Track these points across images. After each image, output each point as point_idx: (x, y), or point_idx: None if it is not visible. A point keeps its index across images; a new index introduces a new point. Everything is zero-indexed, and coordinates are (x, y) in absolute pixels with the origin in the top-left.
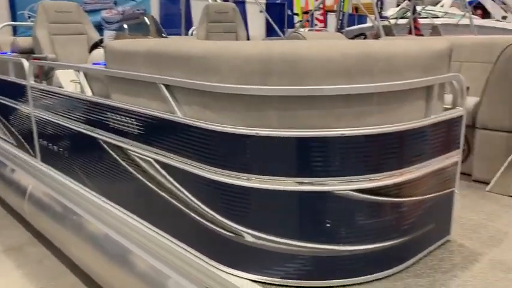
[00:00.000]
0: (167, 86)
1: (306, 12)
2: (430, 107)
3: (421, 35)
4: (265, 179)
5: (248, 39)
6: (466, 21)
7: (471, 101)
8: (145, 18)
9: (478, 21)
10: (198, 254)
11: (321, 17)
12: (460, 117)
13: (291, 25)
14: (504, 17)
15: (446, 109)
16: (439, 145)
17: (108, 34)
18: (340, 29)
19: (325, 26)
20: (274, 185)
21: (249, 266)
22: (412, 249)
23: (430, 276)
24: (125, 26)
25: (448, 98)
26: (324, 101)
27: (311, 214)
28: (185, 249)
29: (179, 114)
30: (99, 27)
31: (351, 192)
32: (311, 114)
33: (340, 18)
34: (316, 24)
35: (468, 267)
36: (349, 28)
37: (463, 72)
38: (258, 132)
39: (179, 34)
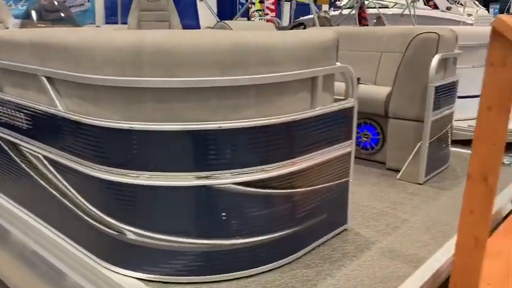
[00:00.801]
0: (48, 78)
1: (261, 1)
2: (316, 99)
3: (367, 25)
4: (144, 174)
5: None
6: (415, 11)
7: (384, 90)
8: (59, 6)
9: (424, 11)
10: (86, 252)
11: (272, 6)
12: (351, 108)
13: (246, 13)
14: (448, 8)
15: (337, 100)
16: (330, 136)
17: (13, 22)
18: (292, 18)
19: (277, 16)
20: (156, 181)
21: (132, 264)
22: (304, 240)
23: (319, 266)
24: (33, 13)
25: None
26: (197, 94)
27: (197, 210)
28: (76, 248)
29: (60, 108)
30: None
31: (232, 186)
32: (186, 106)
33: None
34: (267, 14)
35: (358, 256)
36: (303, 18)
37: (382, 62)
38: (132, 126)
39: (124, 23)
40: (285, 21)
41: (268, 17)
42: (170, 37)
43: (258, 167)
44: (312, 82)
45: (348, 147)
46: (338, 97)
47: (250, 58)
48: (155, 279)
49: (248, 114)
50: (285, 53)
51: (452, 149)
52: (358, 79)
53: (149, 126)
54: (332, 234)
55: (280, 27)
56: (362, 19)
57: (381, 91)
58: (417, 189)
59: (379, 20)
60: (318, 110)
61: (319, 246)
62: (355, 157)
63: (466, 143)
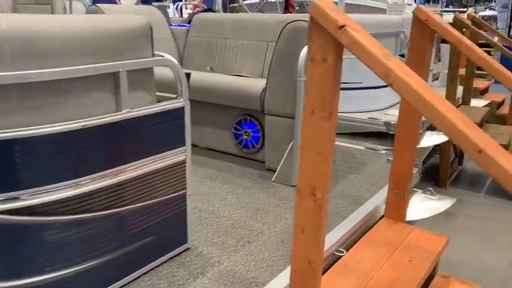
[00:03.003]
0: None
1: None
2: (121, 100)
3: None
4: None
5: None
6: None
7: (260, 84)
8: None
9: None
10: None
11: None
12: (180, 109)
13: None
14: None
15: (166, 99)
16: (152, 143)
17: None
18: (227, 4)
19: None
20: None
21: None
22: (122, 269)
23: None
24: None
25: None
26: None
27: None
28: None
29: None
30: None
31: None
32: None
33: None
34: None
35: (186, 285)
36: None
37: (269, 52)
38: None
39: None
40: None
41: (195, 2)
42: None
43: (29, 190)
44: (115, 79)
45: (180, 154)
46: (169, 95)
47: (7, 49)
48: None
49: (14, 122)
50: (62, 43)
51: (342, 144)
52: (188, 74)
53: None
54: (165, 257)
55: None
56: (289, 6)
57: (256, 85)
58: (289, 193)
59: (302, 6)
60: (124, 114)
61: (146, 273)
62: (237, 156)
63: (369, 135)
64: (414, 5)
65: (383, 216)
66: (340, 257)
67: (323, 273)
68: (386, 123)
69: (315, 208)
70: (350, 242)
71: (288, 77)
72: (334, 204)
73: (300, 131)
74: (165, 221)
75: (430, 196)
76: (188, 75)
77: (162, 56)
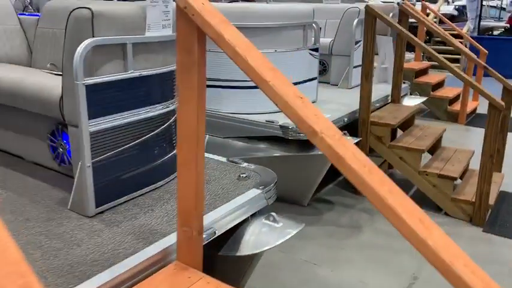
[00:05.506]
0: None
1: None
2: None
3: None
4: None
5: None
6: None
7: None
8: None
9: None
10: None
11: None
12: None
13: None
14: None
15: None
16: None
17: None
18: None
19: None
20: None
21: None
22: None
23: None
24: None
25: None
26: None
27: None
28: None
29: None
30: None
31: None
32: None
33: None
34: None
35: None
36: None
37: None
38: None
39: None
40: None
41: None
42: None
43: None
44: None
45: None
46: None
47: None
48: None
49: None
50: None
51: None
52: None
53: None
54: None
55: None
56: None
57: (56, 88)
58: (74, 228)
59: None
60: None
61: None
62: (59, 173)
63: (270, 139)
64: None
65: None
66: None
67: None
68: (283, 127)
69: None
70: None
71: None
72: (119, 244)
73: (89, 148)
74: None
75: (272, 223)
76: None
77: None
